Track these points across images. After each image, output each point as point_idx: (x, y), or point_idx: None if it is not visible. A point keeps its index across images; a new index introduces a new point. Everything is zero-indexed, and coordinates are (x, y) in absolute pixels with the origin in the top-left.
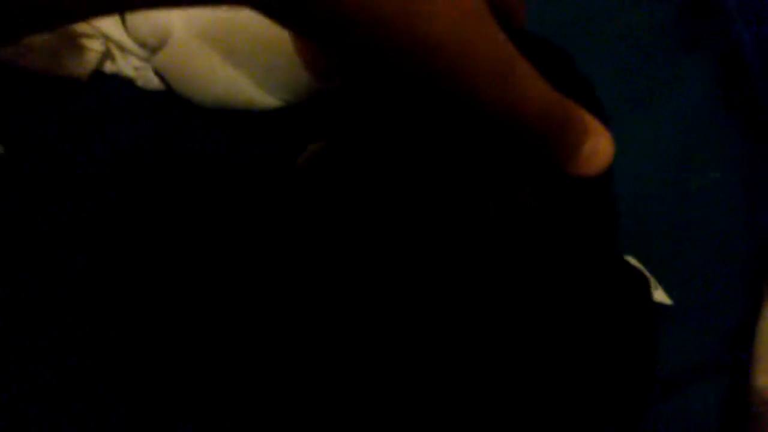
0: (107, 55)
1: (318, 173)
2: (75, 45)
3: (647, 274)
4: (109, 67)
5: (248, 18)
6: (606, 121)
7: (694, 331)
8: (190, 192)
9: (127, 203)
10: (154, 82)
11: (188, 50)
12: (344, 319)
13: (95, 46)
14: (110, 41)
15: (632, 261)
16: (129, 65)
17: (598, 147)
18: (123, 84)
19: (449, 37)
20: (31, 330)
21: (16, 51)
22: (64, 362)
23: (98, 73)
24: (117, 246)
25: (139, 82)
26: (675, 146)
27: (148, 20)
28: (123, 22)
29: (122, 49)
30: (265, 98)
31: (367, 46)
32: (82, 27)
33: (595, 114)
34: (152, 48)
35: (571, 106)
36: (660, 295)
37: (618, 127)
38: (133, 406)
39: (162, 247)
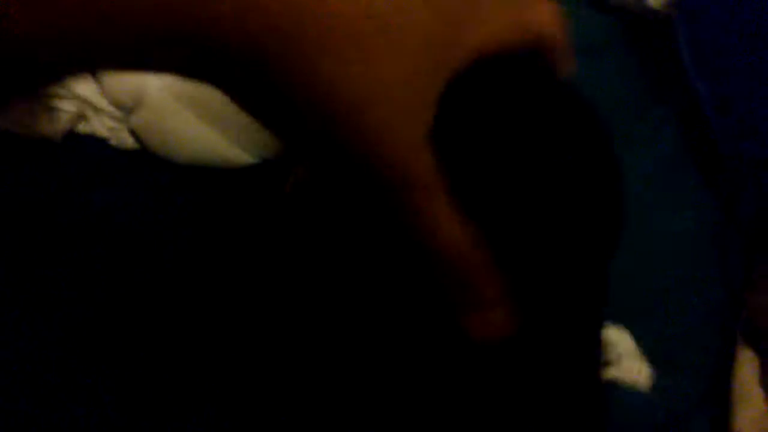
0: (80, 115)
1: (306, 197)
2: (48, 106)
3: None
4: (82, 127)
5: None
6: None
7: (673, 373)
8: (171, 247)
9: (106, 260)
10: (129, 142)
11: (163, 110)
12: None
13: (68, 107)
14: (84, 102)
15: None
16: (103, 126)
17: (489, 321)
18: (97, 144)
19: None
20: (26, 329)
21: None
22: (64, 362)
23: (72, 134)
24: (98, 306)
25: (113, 142)
26: (645, 196)
27: (123, 82)
28: (97, 83)
29: (96, 109)
30: (240, 156)
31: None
32: (54, 89)
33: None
34: (127, 109)
35: (478, 270)
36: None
37: None
38: (133, 406)
39: (147, 304)
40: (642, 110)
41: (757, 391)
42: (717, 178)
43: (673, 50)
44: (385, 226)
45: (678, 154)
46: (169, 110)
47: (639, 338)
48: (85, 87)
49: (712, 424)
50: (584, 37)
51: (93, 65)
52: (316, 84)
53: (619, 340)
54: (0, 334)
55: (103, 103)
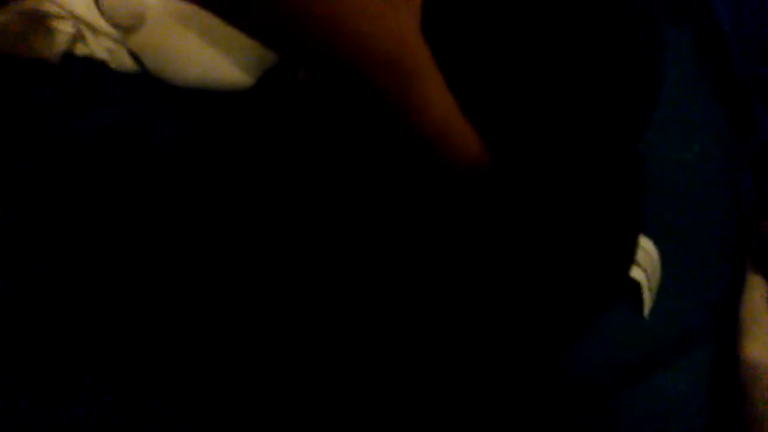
0: (78, 36)
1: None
2: (44, 26)
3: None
4: (80, 49)
5: None
6: None
7: (679, 303)
8: (172, 173)
9: (103, 188)
10: (128, 64)
11: (165, 31)
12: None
13: (65, 28)
14: (81, 22)
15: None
16: (101, 47)
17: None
18: (95, 66)
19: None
20: (26, 329)
21: None
22: (65, 362)
23: (69, 56)
24: (95, 235)
25: (113, 64)
26: (656, 120)
27: (122, 1)
28: (96, 2)
29: (94, 30)
30: (244, 77)
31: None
32: (50, 7)
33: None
34: (127, 29)
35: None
36: (636, 273)
37: None
38: (133, 406)
39: (148, 237)
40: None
41: (765, 317)
42: (732, 101)
43: None
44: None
45: (693, 76)
46: (171, 30)
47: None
48: (83, 6)
49: (719, 347)
50: None
51: None
52: None
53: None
54: None
55: (101, 23)
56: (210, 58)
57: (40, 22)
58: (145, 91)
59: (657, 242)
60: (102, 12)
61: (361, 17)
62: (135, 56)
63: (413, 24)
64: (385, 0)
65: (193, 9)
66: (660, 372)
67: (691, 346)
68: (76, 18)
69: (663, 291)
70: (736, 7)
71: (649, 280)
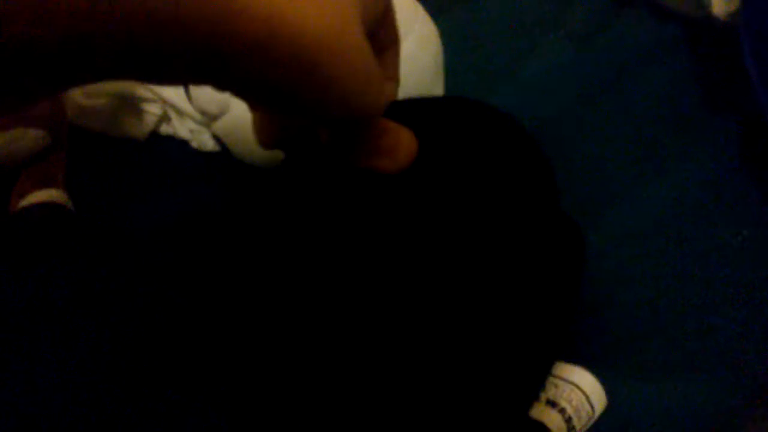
0: (164, 118)
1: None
2: (135, 108)
3: None
4: (164, 128)
5: None
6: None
7: (719, 380)
8: (249, 248)
9: (184, 258)
10: (209, 144)
11: (247, 117)
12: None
13: (154, 110)
14: (169, 106)
15: None
16: (185, 128)
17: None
18: (178, 145)
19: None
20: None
21: (80, 112)
22: (65, 363)
23: (154, 135)
24: (173, 301)
25: (194, 144)
26: (705, 206)
27: (210, 92)
28: (186, 93)
29: (180, 113)
30: None
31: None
32: (143, 92)
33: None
34: (212, 116)
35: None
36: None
37: (645, 186)
38: (133, 406)
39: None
40: (702, 120)
41: None
42: None
43: (736, 61)
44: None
45: (735, 161)
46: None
47: (684, 344)
48: (172, 92)
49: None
50: (645, 45)
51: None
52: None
53: (580, 380)
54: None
55: (187, 107)
56: None
57: (131, 104)
58: (224, 168)
59: (695, 320)
60: (191, 101)
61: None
62: (216, 138)
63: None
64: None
65: None
66: None
67: (735, 422)
68: (165, 102)
69: (704, 367)
70: None
71: (567, 422)
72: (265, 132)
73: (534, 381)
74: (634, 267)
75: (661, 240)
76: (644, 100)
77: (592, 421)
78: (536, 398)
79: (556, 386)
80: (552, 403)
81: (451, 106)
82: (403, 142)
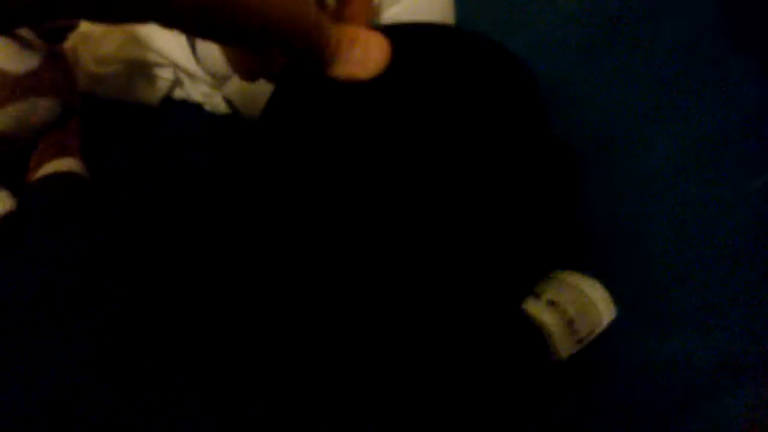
0: (177, 82)
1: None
2: (147, 74)
3: None
4: (177, 93)
5: None
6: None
7: (741, 331)
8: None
9: (196, 219)
10: (221, 107)
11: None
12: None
13: (166, 75)
14: (180, 70)
15: None
16: (197, 92)
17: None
18: (192, 109)
19: None
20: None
21: (92, 80)
22: (65, 362)
23: (168, 99)
24: (189, 262)
25: (207, 108)
26: (724, 149)
27: (216, 54)
28: (193, 54)
29: (191, 77)
30: None
31: None
32: (153, 57)
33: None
34: (221, 78)
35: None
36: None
37: (667, 129)
38: (133, 406)
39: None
40: (723, 59)
41: None
42: None
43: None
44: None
45: (760, 105)
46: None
47: (702, 297)
48: (182, 56)
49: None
50: None
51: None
52: None
53: (588, 287)
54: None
55: (198, 71)
56: None
57: (143, 70)
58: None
59: (711, 273)
60: (199, 63)
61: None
62: (228, 101)
63: None
64: None
65: None
66: (724, 399)
67: (754, 373)
68: (176, 66)
69: (723, 319)
70: None
71: (568, 325)
72: (241, 66)
73: (522, 274)
74: (655, 208)
75: (683, 184)
76: (667, 42)
77: (598, 330)
78: (530, 292)
79: (560, 289)
80: (553, 303)
81: (439, 32)
82: (372, 49)
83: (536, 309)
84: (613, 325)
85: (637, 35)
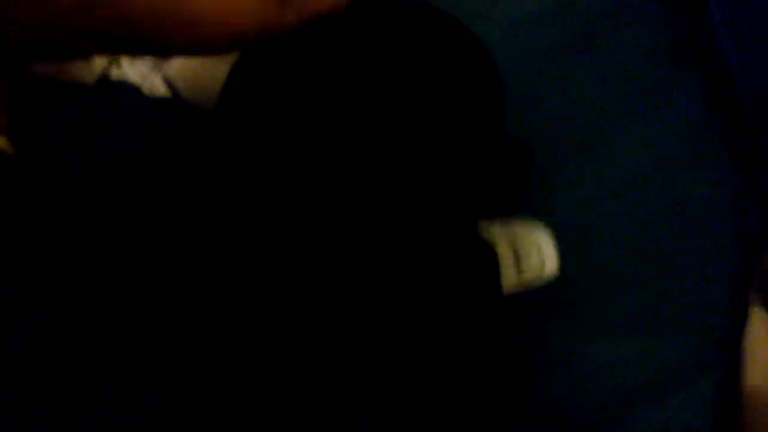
0: (113, 62)
1: None
2: None
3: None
4: (114, 72)
5: None
6: None
7: (685, 334)
8: (195, 196)
9: (126, 207)
10: (160, 90)
11: (197, 59)
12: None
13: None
14: None
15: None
16: (136, 72)
17: None
18: (128, 90)
19: None
20: (29, 330)
21: None
22: (65, 362)
23: (104, 79)
24: (118, 248)
25: (145, 89)
26: (669, 158)
27: None
28: None
29: (130, 56)
30: None
31: None
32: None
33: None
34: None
35: None
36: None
37: (618, 135)
38: (134, 407)
39: (163, 249)
40: (669, 74)
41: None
42: (740, 144)
43: (703, 15)
44: None
45: (702, 118)
46: (203, 59)
47: (650, 299)
48: None
49: (721, 383)
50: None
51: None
52: None
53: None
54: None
55: None
56: None
57: None
58: (175, 115)
59: (658, 274)
60: None
61: None
62: (168, 82)
63: None
64: None
65: None
66: (666, 401)
67: (696, 377)
68: None
69: (670, 322)
70: (746, 52)
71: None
72: None
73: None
74: (608, 221)
75: (636, 193)
76: (619, 54)
77: (539, 281)
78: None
79: (516, 232)
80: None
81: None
82: None
83: (492, 235)
84: (555, 329)
85: (609, 34)
